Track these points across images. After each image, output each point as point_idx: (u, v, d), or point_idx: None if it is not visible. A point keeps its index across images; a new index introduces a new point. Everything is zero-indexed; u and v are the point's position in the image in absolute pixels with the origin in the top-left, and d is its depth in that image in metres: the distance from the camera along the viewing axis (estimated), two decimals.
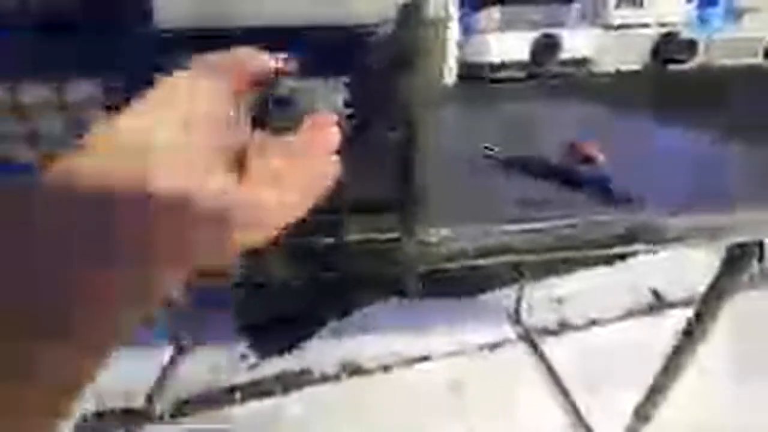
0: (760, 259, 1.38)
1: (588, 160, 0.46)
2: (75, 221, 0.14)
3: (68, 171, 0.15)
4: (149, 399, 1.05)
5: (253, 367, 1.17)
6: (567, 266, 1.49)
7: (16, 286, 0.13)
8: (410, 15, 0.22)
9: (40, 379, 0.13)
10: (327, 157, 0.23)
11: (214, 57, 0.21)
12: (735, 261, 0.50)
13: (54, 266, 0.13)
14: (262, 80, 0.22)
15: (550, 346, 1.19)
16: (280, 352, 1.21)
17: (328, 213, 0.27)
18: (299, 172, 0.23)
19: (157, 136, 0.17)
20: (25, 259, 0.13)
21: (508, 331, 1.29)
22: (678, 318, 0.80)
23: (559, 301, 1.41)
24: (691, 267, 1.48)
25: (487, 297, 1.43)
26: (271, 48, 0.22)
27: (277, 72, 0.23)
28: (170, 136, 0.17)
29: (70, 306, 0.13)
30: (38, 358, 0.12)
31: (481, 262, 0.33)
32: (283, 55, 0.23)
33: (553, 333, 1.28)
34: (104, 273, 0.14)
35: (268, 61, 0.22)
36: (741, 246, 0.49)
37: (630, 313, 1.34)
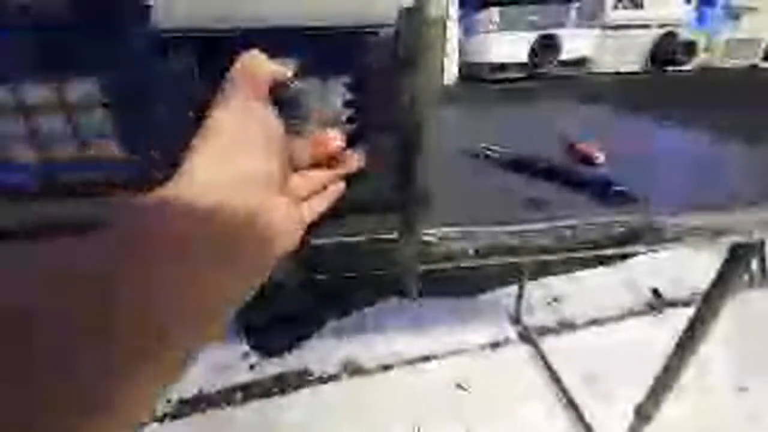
0: (761, 259, 1.37)
1: (588, 160, 0.46)
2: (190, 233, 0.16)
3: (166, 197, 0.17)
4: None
5: (254, 366, 1.17)
6: (567, 266, 1.49)
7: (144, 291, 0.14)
8: (411, 15, 0.22)
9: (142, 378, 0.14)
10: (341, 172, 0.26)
11: (237, 77, 0.21)
12: (736, 261, 0.50)
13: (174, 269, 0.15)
14: (273, 84, 0.22)
15: (550, 346, 1.19)
16: (280, 352, 1.21)
17: (329, 213, 0.27)
18: (314, 184, 0.25)
19: (226, 174, 0.19)
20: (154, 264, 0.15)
21: (509, 330, 1.29)
22: (678, 317, 0.80)
23: (559, 300, 1.41)
24: (691, 267, 1.48)
25: (487, 297, 1.43)
26: (272, 48, 0.22)
27: (285, 75, 0.23)
28: (236, 171, 0.19)
29: (187, 303, 0.15)
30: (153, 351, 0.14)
31: (481, 262, 0.33)
32: (289, 60, 0.23)
33: (553, 332, 1.28)
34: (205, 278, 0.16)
35: (277, 66, 0.22)
36: (741, 246, 0.49)
37: (630, 313, 1.34)
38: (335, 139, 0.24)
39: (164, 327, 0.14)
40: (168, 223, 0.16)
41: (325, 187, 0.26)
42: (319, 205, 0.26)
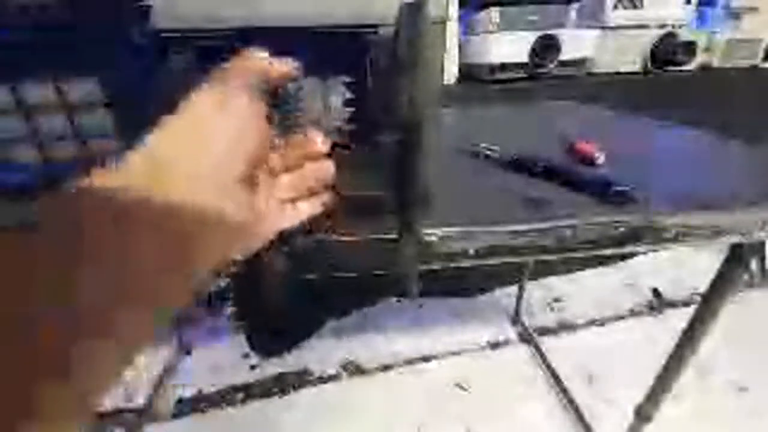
0: (761, 259, 1.36)
1: (588, 160, 0.46)
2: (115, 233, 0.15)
3: (104, 187, 0.16)
4: (149, 399, 1.05)
5: (254, 366, 1.17)
6: (567, 266, 1.49)
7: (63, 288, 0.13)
8: (411, 15, 0.22)
9: (77, 377, 0.13)
10: (325, 172, 0.25)
11: (228, 68, 0.21)
12: (736, 261, 0.50)
13: (101, 271, 0.14)
14: (269, 82, 0.22)
15: (550, 346, 1.19)
16: (280, 352, 1.21)
17: (328, 212, 0.27)
18: (300, 182, 0.24)
19: (187, 155, 0.18)
20: (73, 264, 0.14)
21: (508, 331, 1.29)
22: (678, 318, 0.80)
23: (559, 300, 1.41)
24: (691, 267, 1.48)
25: (487, 297, 1.43)
26: (272, 48, 0.22)
27: (282, 74, 0.23)
28: (198, 154, 0.19)
29: (112, 306, 0.14)
30: (77, 356, 0.13)
31: (481, 262, 0.33)
32: (287, 58, 0.23)
33: (553, 333, 1.28)
34: (140, 277, 0.15)
35: (274, 65, 0.22)
36: (741, 246, 0.49)
37: (630, 313, 1.34)
38: (316, 142, 0.23)
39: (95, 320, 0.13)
40: (128, 226, 0.15)
41: (314, 192, 0.25)
42: (311, 208, 0.25)
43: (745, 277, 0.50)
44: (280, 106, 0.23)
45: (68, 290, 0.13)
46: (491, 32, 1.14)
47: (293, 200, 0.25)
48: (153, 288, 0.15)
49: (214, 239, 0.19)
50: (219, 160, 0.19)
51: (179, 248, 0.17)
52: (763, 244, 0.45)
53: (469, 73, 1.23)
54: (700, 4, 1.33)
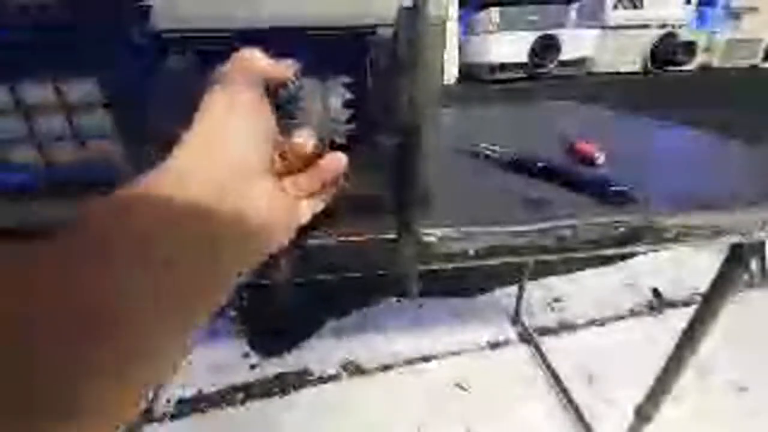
0: (761, 259, 1.36)
1: (588, 160, 0.46)
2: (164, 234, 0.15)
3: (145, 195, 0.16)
4: (149, 399, 1.05)
5: (254, 366, 1.17)
6: (567, 266, 1.49)
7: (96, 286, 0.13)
8: (411, 15, 0.22)
9: (110, 383, 0.13)
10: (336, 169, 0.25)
11: (230, 68, 0.21)
12: (736, 261, 0.50)
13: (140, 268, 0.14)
14: (269, 81, 0.22)
15: (550, 346, 1.19)
16: (280, 352, 1.21)
17: (328, 212, 0.27)
18: (311, 180, 0.24)
19: (207, 162, 0.19)
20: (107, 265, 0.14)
21: (508, 331, 1.29)
22: (678, 318, 0.80)
23: (560, 300, 1.41)
24: (691, 267, 1.48)
25: (487, 297, 1.43)
26: (272, 49, 0.22)
27: (283, 74, 0.23)
28: (218, 160, 0.19)
29: (143, 313, 0.14)
30: (109, 364, 0.13)
31: (481, 262, 0.33)
32: (289, 60, 0.23)
33: (553, 332, 1.28)
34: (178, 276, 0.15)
35: (275, 65, 0.22)
36: (741, 246, 0.49)
37: (630, 313, 1.34)
38: (306, 145, 0.23)
39: (132, 338, 0.13)
40: (134, 222, 0.15)
41: (322, 187, 0.25)
42: (316, 205, 0.26)
43: (745, 277, 0.50)
44: (280, 107, 0.23)
45: (95, 298, 0.13)
46: (491, 32, 1.14)
47: (307, 196, 0.25)
48: (185, 294, 0.16)
49: (243, 241, 0.19)
50: (237, 162, 0.19)
51: (209, 252, 0.17)
52: (763, 244, 0.45)
53: (469, 73, 1.22)
54: (700, 4, 1.33)
